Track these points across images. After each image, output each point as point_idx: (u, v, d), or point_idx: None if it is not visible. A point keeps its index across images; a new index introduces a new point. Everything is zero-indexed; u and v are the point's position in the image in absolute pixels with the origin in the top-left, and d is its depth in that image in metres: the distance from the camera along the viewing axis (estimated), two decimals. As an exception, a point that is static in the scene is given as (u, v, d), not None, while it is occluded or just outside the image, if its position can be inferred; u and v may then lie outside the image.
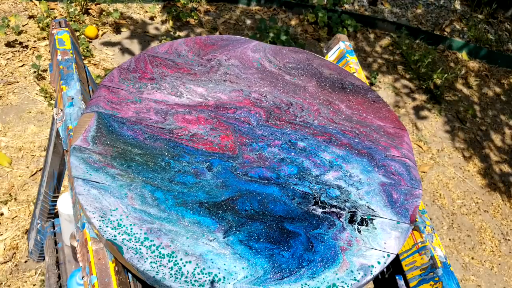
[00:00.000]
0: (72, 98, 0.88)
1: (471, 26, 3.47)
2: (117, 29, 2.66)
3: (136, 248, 0.67)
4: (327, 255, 0.72)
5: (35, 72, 2.25)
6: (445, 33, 3.40)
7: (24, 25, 2.52)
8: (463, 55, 3.23)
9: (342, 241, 0.74)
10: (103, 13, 2.71)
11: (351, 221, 0.78)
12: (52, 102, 2.18)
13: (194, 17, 2.86)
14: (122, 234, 0.68)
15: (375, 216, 0.79)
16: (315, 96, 0.99)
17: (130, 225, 0.69)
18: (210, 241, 0.70)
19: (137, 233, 0.68)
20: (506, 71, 3.23)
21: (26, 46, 2.41)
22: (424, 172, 2.41)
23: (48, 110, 2.14)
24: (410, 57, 3.03)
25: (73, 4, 2.66)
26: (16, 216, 1.75)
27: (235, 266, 0.68)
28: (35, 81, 2.25)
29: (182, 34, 2.74)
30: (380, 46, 3.11)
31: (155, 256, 0.67)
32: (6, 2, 2.64)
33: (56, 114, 0.89)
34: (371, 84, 2.79)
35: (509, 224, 2.29)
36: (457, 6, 3.66)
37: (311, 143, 0.89)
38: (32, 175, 1.88)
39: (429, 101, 2.83)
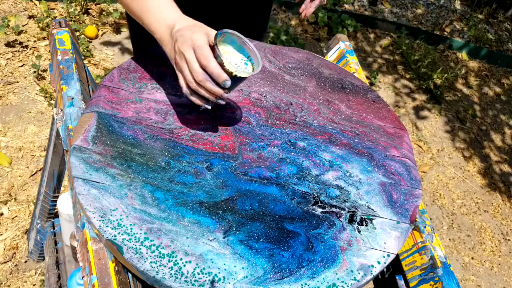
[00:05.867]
0: (72, 98, 0.88)
1: (471, 26, 3.47)
2: (117, 29, 2.66)
3: (136, 248, 0.67)
4: (327, 255, 0.72)
5: (35, 72, 2.25)
6: (445, 33, 3.40)
7: (24, 25, 2.52)
8: (463, 55, 3.23)
9: (342, 241, 0.74)
10: (103, 13, 2.72)
11: (351, 221, 0.78)
12: (52, 102, 2.18)
13: (194, 17, 2.86)
14: (122, 234, 0.68)
15: (375, 216, 0.79)
16: (315, 96, 0.99)
17: (130, 225, 0.69)
18: (210, 241, 0.70)
19: (137, 233, 0.68)
20: (506, 71, 3.23)
21: (26, 46, 2.41)
22: (424, 172, 2.41)
23: (48, 110, 2.15)
24: (410, 57, 3.03)
25: (73, 4, 2.66)
26: (16, 216, 1.75)
27: (235, 266, 0.68)
28: (35, 81, 2.25)
29: (182, 34, 2.74)
30: (380, 46, 3.11)
31: (155, 256, 0.67)
32: (6, 2, 2.64)
33: (56, 114, 0.89)
34: (371, 84, 2.79)
35: (509, 224, 2.29)
36: (457, 6, 3.66)
37: (310, 143, 0.89)
38: (32, 175, 1.88)
39: (429, 101, 2.83)
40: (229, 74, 0.74)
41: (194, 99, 0.78)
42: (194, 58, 0.73)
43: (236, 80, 0.75)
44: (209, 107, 0.79)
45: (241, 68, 0.78)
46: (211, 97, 0.76)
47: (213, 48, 0.74)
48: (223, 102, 0.78)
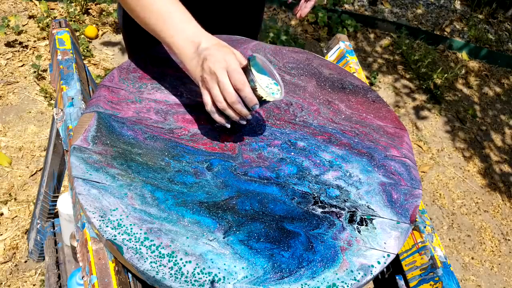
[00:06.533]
0: (72, 98, 0.88)
1: (471, 26, 3.47)
2: (117, 29, 2.66)
3: (136, 248, 0.67)
4: (327, 255, 0.72)
5: (35, 72, 2.25)
6: (445, 33, 3.40)
7: (24, 25, 2.52)
8: (463, 55, 3.23)
9: (342, 241, 0.74)
10: (103, 13, 2.72)
11: (351, 221, 0.78)
12: (52, 102, 2.18)
13: (194, 17, 2.85)
14: (122, 234, 0.68)
15: (375, 216, 0.79)
16: (315, 96, 0.99)
17: (130, 225, 0.69)
18: (210, 241, 0.70)
19: (137, 233, 0.68)
20: (506, 71, 3.23)
21: (26, 46, 2.41)
22: (424, 172, 2.41)
23: (48, 110, 2.15)
24: (410, 57, 3.03)
25: (73, 4, 2.66)
26: (16, 216, 1.75)
27: (235, 266, 0.68)
28: (35, 81, 2.25)
29: (182, 34, 2.73)
30: (380, 46, 3.11)
31: (155, 256, 0.67)
32: (6, 2, 2.64)
33: (56, 114, 0.89)
34: (371, 84, 2.79)
35: (509, 224, 2.29)
36: (457, 6, 3.66)
37: (310, 142, 0.89)
38: (32, 175, 1.88)
39: (429, 101, 2.83)
40: (259, 98, 0.76)
41: (217, 117, 0.79)
42: (228, 80, 0.74)
43: (262, 102, 0.78)
44: (229, 126, 0.81)
45: (272, 90, 0.81)
46: (236, 118, 0.78)
47: (244, 71, 0.75)
48: (245, 122, 0.80)
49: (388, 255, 0.74)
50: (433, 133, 2.65)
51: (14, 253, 1.64)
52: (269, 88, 0.81)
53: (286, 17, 3.09)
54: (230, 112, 0.77)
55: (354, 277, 0.70)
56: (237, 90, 0.75)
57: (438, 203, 2.29)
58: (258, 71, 0.81)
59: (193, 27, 0.79)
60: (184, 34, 0.78)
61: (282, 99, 0.92)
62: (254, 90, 0.75)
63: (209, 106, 0.78)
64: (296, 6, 1.17)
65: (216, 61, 0.74)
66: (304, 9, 1.15)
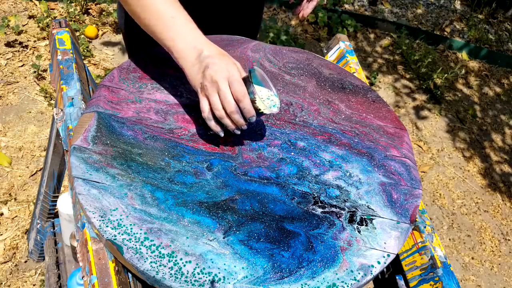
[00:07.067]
0: (72, 98, 0.88)
1: (471, 26, 3.47)
2: (117, 29, 2.66)
3: (136, 248, 0.67)
4: (327, 255, 0.72)
5: (35, 72, 2.25)
6: (445, 33, 3.40)
7: (24, 25, 2.52)
8: (463, 55, 3.23)
9: (342, 241, 0.74)
10: (103, 13, 2.72)
11: (351, 221, 0.78)
12: (52, 102, 2.18)
13: (194, 17, 2.85)
14: (122, 234, 0.68)
15: (375, 216, 0.79)
16: (315, 96, 0.99)
17: (130, 225, 0.69)
18: (210, 241, 0.70)
19: (137, 233, 0.68)
20: (506, 71, 3.23)
21: (26, 46, 2.41)
22: (424, 172, 2.41)
23: (48, 110, 2.15)
24: (410, 57, 3.03)
25: (73, 4, 2.66)
26: (16, 216, 1.75)
27: (235, 266, 0.68)
28: (35, 81, 2.25)
29: (182, 34, 2.73)
30: (380, 46, 3.11)
31: (155, 256, 0.67)
32: (6, 2, 2.64)
33: (56, 114, 0.89)
34: (371, 84, 2.79)
35: (509, 224, 2.29)
36: (457, 6, 3.66)
37: (310, 142, 0.89)
38: (32, 175, 1.88)
39: (429, 101, 2.83)
40: (257, 110, 0.77)
41: (213, 124, 0.80)
42: (229, 89, 0.75)
43: (259, 114, 0.79)
44: (222, 134, 0.81)
45: (273, 102, 0.81)
46: (232, 127, 0.79)
47: (244, 82, 0.76)
48: (239, 132, 0.81)
49: (388, 255, 0.74)
50: (433, 133, 2.65)
51: (14, 253, 1.64)
52: (270, 100, 0.81)
53: (286, 17, 3.09)
54: (227, 121, 0.77)
55: (354, 277, 0.70)
56: (236, 101, 0.75)
57: (438, 203, 2.29)
58: (256, 83, 0.81)
59: (195, 33, 0.79)
60: (185, 39, 0.78)
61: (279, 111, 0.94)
62: (253, 102, 0.76)
63: (206, 113, 0.78)
64: (297, 6, 1.17)
65: (218, 70, 0.74)
66: (306, 9, 1.15)
